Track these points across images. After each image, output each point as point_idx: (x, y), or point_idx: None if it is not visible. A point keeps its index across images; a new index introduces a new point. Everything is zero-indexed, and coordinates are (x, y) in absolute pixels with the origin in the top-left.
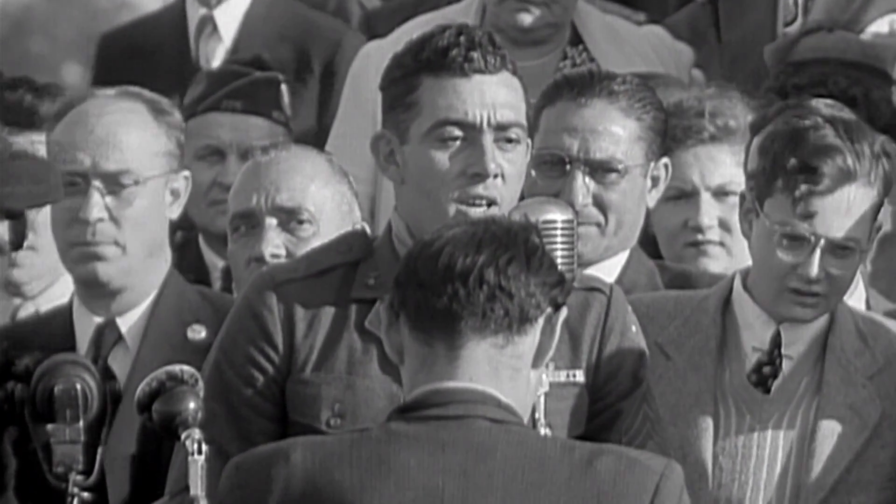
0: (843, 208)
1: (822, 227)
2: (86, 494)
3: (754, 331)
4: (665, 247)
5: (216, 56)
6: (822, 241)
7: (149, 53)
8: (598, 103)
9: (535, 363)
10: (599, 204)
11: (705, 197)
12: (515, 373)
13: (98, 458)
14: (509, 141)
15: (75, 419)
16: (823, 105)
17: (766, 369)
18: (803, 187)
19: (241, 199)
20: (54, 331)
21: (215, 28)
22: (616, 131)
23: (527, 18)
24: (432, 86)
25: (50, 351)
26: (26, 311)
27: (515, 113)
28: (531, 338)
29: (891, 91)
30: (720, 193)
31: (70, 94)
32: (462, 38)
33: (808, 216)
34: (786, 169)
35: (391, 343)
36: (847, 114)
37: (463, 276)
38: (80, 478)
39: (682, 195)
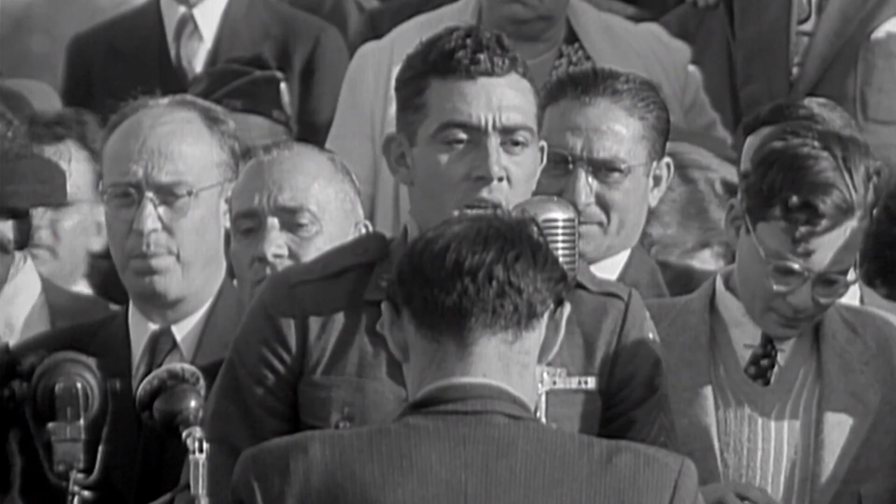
0: (839, 244)
1: (818, 264)
2: (86, 493)
3: (744, 328)
4: None
5: (197, 56)
6: (815, 275)
7: (125, 55)
8: (601, 102)
9: (540, 359)
10: (602, 203)
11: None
12: (524, 368)
13: (98, 456)
14: (516, 143)
15: (76, 417)
16: (816, 105)
17: (764, 362)
18: (803, 229)
19: (244, 199)
20: (110, 336)
21: (196, 28)
22: (619, 130)
23: (519, 10)
24: (439, 88)
25: (106, 356)
26: None
27: (523, 115)
28: (537, 333)
29: None
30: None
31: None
32: (469, 41)
33: (806, 255)
34: (786, 204)
35: (395, 340)
36: (839, 117)
37: (472, 273)
38: (80, 476)
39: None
